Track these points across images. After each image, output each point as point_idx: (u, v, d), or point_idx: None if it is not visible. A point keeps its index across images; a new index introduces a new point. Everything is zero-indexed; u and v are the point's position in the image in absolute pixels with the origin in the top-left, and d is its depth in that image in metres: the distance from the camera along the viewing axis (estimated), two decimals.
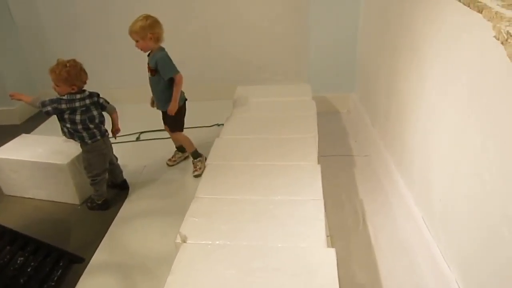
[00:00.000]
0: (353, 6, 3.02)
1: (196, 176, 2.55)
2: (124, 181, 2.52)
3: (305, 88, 2.87)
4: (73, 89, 2.08)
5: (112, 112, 2.35)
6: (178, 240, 1.47)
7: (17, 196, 2.52)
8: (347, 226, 2.02)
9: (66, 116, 2.12)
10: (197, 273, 1.32)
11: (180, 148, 2.79)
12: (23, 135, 2.65)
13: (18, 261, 1.79)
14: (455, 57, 1.43)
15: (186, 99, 2.66)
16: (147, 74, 3.35)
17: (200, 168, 2.58)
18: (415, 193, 1.91)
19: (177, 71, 2.43)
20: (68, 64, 2.05)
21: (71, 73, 2.04)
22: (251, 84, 3.02)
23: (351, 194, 2.27)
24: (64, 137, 2.28)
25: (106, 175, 2.36)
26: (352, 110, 3.31)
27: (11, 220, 2.21)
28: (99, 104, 2.23)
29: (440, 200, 1.60)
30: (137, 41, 2.34)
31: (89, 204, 2.36)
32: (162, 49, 2.45)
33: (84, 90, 2.15)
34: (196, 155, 2.66)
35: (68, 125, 2.15)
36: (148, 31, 2.29)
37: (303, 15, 3.27)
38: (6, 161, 2.42)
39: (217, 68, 3.67)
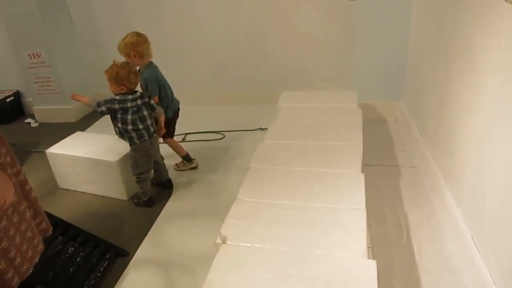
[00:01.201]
0: (404, 12, 2.95)
1: (176, 169, 2.77)
2: (169, 180, 2.60)
3: (351, 95, 2.83)
4: (122, 89, 2.18)
5: (160, 114, 2.43)
6: (218, 240, 1.50)
7: (70, 190, 2.68)
8: (389, 239, 1.96)
9: (118, 115, 2.22)
10: (235, 274, 1.34)
11: (186, 157, 2.81)
12: (78, 132, 2.81)
13: (69, 251, 1.90)
14: None
15: (178, 108, 2.74)
16: (195, 76, 3.47)
17: (181, 169, 2.75)
18: (464, 209, 1.82)
19: (155, 93, 2.48)
20: (119, 65, 2.17)
21: (119, 74, 2.14)
22: (296, 89, 3.02)
23: (395, 206, 2.21)
24: (116, 136, 2.39)
25: (150, 174, 2.44)
26: (400, 119, 3.22)
27: (64, 212, 2.35)
28: (150, 105, 2.31)
29: (491, 218, 1.52)
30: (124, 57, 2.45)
31: (135, 201, 2.46)
32: (150, 66, 2.53)
33: (136, 91, 2.25)
34: (188, 159, 2.77)
35: (120, 125, 2.25)
36: (131, 50, 2.38)
37: (350, 20, 3.23)
38: (62, 156, 2.58)
39: (262, 73, 3.71)
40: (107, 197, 2.56)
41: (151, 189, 2.48)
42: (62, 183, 2.70)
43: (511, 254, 1.36)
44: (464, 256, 1.73)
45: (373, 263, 1.31)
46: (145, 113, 2.28)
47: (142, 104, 2.26)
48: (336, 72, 3.55)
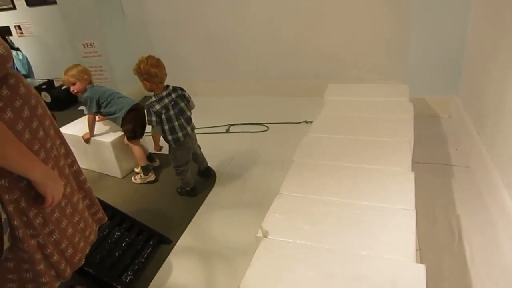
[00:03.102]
0: (463, 1, 2.76)
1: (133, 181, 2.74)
2: (208, 168, 2.63)
3: (402, 89, 2.70)
4: (145, 84, 2.20)
5: (192, 108, 2.41)
6: (260, 234, 1.47)
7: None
8: (439, 242, 1.85)
9: (163, 117, 2.22)
10: (276, 269, 1.31)
11: (145, 168, 2.74)
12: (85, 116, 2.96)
13: (115, 236, 1.96)
14: None
15: (133, 108, 2.68)
16: (240, 68, 3.44)
17: (137, 181, 2.72)
18: None
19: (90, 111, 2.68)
20: (140, 60, 2.18)
21: (140, 68, 2.16)
22: (343, 82, 2.93)
23: (447, 207, 2.08)
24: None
25: (188, 166, 2.46)
26: (454, 115, 3.03)
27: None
28: (185, 98, 2.32)
29: None
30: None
31: (179, 190, 2.50)
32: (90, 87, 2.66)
33: (168, 86, 2.26)
34: (147, 169, 2.72)
35: (166, 126, 2.25)
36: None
37: (403, 10, 3.08)
38: (68, 136, 2.71)
39: (309, 64, 3.63)
40: (104, 174, 2.82)
41: (193, 179, 2.51)
42: None
43: None
44: None
45: (422, 268, 1.24)
46: (182, 105, 2.29)
47: (177, 97, 2.27)
48: (386, 65, 3.41)
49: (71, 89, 2.63)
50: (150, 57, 2.18)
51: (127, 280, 1.78)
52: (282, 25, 3.56)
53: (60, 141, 1.27)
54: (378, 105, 2.51)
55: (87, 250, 1.37)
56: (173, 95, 2.25)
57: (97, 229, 1.46)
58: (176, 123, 2.26)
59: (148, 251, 1.96)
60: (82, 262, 1.33)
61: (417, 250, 1.58)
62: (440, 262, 1.73)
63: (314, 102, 2.83)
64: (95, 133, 2.75)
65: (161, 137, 2.31)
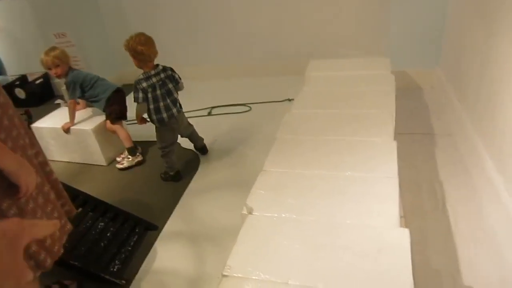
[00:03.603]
0: None
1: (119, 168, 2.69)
2: (204, 147, 2.64)
3: (383, 62, 2.68)
4: (134, 61, 2.18)
5: (180, 89, 2.39)
6: (244, 211, 1.46)
7: (56, 161, 2.83)
8: (423, 209, 1.87)
9: (150, 96, 2.20)
10: (262, 244, 1.30)
11: (131, 150, 2.73)
12: (63, 107, 2.89)
13: (99, 226, 1.93)
14: None
15: (116, 90, 2.66)
16: (220, 49, 3.36)
17: (124, 165, 2.68)
18: (506, 176, 1.70)
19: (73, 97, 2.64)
20: (130, 36, 2.16)
21: (129, 44, 2.14)
22: (325, 59, 2.90)
23: (430, 175, 2.10)
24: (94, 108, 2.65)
25: (175, 148, 2.44)
26: (436, 86, 3.05)
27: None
28: (174, 79, 2.29)
29: None
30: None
31: (162, 176, 2.47)
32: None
33: (158, 65, 2.23)
34: (133, 151, 2.70)
35: (152, 106, 2.23)
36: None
37: None
38: (45, 129, 2.75)
39: (290, 42, 3.59)
40: (87, 164, 2.76)
41: (178, 163, 2.48)
42: (49, 155, 2.79)
43: None
44: (504, 225, 1.62)
45: (406, 232, 1.24)
46: (170, 86, 2.27)
47: (166, 78, 2.24)
48: (368, 40, 3.39)
49: (53, 72, 2.54)
50: (139, 35, 2.16)
51: (115, 270, 1.75)
52: (262, 5, 3.50)
53: (25, 131, 1.23)
54: (360, 78, 2.50)
55: (64, 240, 1.34)
56: (162, 75, 2.23)
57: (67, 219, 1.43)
58: (161, 104, 2.24)
59: (134, 239, 1.93)
60: (61, 252, 1.30)
61: (402, 217, 1.58)
62: (425, 227, 1.75)
63: (297, 80, 2.79)
64: (77, 122, 2.68)
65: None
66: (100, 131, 2.67)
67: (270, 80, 3.63)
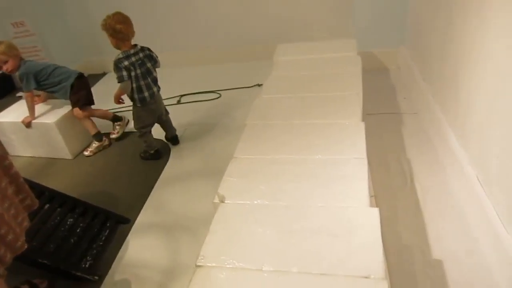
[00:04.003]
0: None
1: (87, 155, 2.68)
2: (175, 137, 2.61)
3: (349, 44, 2.70)
4: (112, 40, 2.16)
5: (158, 67, 2.39)
6: (216, 200, 1.45)
7: (19, 156, 2.75)
8: (393, 187, 1.91)
9: (133, 74, 2.19)
10: (235, 232, 1.30)
11: (116, 118, 2.79)
12: (22, 100, 2.78)
13: (68, 223, 1.87)
14: None
15: (78, 76, 2.59)
16: (186, 36, 3.29)
17: (93, 151, 2.67)
18: (469, 151, 1.76)
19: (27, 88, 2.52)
20: (107, 16, 2.14)
21: (107, 23, 2.12)
22: (293, 42, 2.89)
23: (398, 153, 2.15)
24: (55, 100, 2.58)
25: (151, 128, 2.44)
26: (402, 66, 3.10)
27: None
28: (152, 58, 2.29)
29: (497, 157, 1.46)
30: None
31: (142, 155, 2.47)
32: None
33: (136, 45, 2.22)
34: (100, 137, 2.69)
35: (134, 85, 2.22)
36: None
37: None
38: (5, 124, 2.65)
39: (257, 27, 3.55)
40: (52, 158, 2.67)
41: (157, 142, 2.50)
42: (12, 150, 2.73)
43: None
44: (469, 198, 1.68)
45: (375, 211, 1.26)
46: (149, 65, 2.28)
47: (145, 57, 2.25)
48: (334, 22, 3.39)
49: (4, 68, 2.42)
50: (117, 13, 2.15)
51: (87, 266, 1.71)
52: None
53: None
54: (327, 61, 2.51)
55: (24, 237, 1.30)
56: (141, 55, 2.24)
57: (26, 216, 1.39)
58: (142, 82, 2.25)
59: (106, 234, 1.89)
60: (25, 247, 1.27)
61: (372, 196, 1.62)
62: (395, 205, 1.79)
63: (265, 65, 2.77)
64: (35, 115, 2.57)
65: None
66: (64, 123, 2.58)
67: (238, 66, 3.60)
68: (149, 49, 2.30)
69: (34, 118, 2.55)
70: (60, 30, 3.77)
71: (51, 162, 2.66)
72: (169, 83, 3.45)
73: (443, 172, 1.95)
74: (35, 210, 1.47)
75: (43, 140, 2.62)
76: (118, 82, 2.20)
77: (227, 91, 3.19)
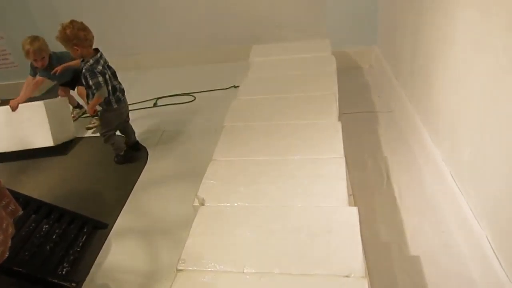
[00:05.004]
0: None
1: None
2: (137, 143, 2.56)
3: (323, 43, 2.73)
4: (75, 50, 2.10)
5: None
6: (196, 203, 1.45)
7: None
8: (370, 185, 1.95)
9: (107, 76, 2.18)
10: (215, 235, 1.30)
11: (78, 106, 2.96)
12: None
13: (44, 229, 1.83)
14: None
15: None
16: (160, 37, 3.28)
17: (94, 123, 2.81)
18: (442, 148, 1.81)
19: None
20: (64, 26, 2.06)
21: (67, 33, 2.06)
22: (268, 43, 2.90)
23: (375, 151, 2.19)
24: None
25: (114, 131, 2.41)
26: (375, 64, 3.16)
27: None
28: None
29: (470, 153, 1.51)
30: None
31: (116, 159, 2.43)
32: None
33: (97, 49, 2.20)
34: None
35: (110, 87, 2.20)
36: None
37: None
38: None
39: (232, 28, 3.54)
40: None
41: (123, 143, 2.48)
42: None
43: (491, 187, 1.36)
44: (444, 194, 1.73)
45: (354, 210, 1.29)
46: (113, 69, 2.28)
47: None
48: (307, 21, 3.41)
49: (39, 64, 2.54)
50: (74, 21, 2.08)
51: (63, 272, 1.68)
52: None
53: None
54: (302, 61, 2.54)
55: (9, 243, 1.27)
56: (104, 57, 2.22)
57: (12, 221, 1.36)
58: (115, 82, 2.27)
59: (83, 239, 1.85)
60: (6, 255, 1.23)
61: (350, 195, 1.65)
62: (372, 203, 1.83)
63: (241, 66, 2.77)
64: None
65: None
66: (53, 106, 2.59)
67: (213, 67, 3.58)
68: None
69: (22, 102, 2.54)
70: (29, 33, 3.65)
71: (25, 165, 2.58)
72: (144, 85, 3.44)
73: (419, 169, 2.00)
74: None
75: (25, 125, 2.55)
76: (94, 89, 2.15)
77: (204, 93, 3.17)
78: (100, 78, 2.13)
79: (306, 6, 3.37)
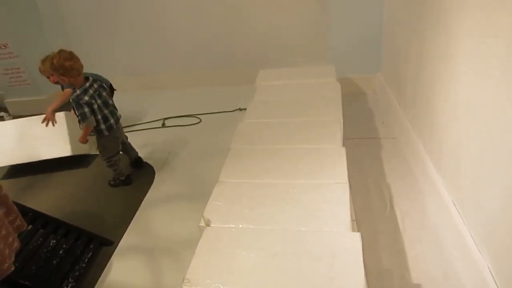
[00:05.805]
0: None
1: None
2: (139, 159, 2.61)
3: (329, 69, 2.80)
4: (63, 80, 2.14)
5: (108, 84, 2.45)
6: (202, 223, 1.48)
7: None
8: (373, 211, 1.97)
9: (95, 106, 2.19)
10: (220, 256, 1.32)
11: None
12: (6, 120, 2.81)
13: (51, 244, 1.86)
14: (491, 27, 1.34)
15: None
16: (169, 59, 3.34)
17: None
18: (445, 176, 1.84)
19: None
20: (50, 57, 2.12)
21: (54, 63, 2.09)
22: (273, 67, 2.97)
23: (378, 177, 2.22)
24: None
25: (119, 156, 2.44)
26: (379, 91, 3.21)
27: None
28: (104, 88, 2.30)
29: (472, 182, 1.54)
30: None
31: (112, 182, 2.45)
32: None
33: (87, 77, 2.21)
34: None
35: (99, 116, 2.22)
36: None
37: None
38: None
39: (238, 52, 3.63)
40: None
41: (127, 168, 2.51)
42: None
43: (492, 217, 1.38)
44: (446, 222, 1.75)
45: (357, 235, 1.31)
46: (104, 94, 2.28)
47: (99, 87, 2.25)
48: (313, 48, 3.50)
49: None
50: (61, 51, 2.11)
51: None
52: (207, 14, 3.51)
53: None
54: (308, 87, 2.59)
55: (13, 258, 1.30)
56: (95, 85, 2.23)
57: (17, 236, 1.39)
58: (106, 111, 2.26)
59: (88, 255, 1.88)
60: (12, 269, 1.26)
61: (353, 220, 1.68)
62: (375, 229, 1.85)
63: (246, 89, 2.83)
64: None
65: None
66: (71, 119, 2.64)
67: (219, 89, 3.66)
68: (99, 80, 2.30)
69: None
70: (43, 52, 3.74)
71: (34, 181, 2.63)
72: (152, 106, 3.50)
73: (422, 196, 2.02)
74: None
75: (44, 135, 2.61)
76: (80, 120, 2.19)
77: (210, 115, 3.24)
78: (86, 109, 2.15)
79: (312, 33, 3.46)
